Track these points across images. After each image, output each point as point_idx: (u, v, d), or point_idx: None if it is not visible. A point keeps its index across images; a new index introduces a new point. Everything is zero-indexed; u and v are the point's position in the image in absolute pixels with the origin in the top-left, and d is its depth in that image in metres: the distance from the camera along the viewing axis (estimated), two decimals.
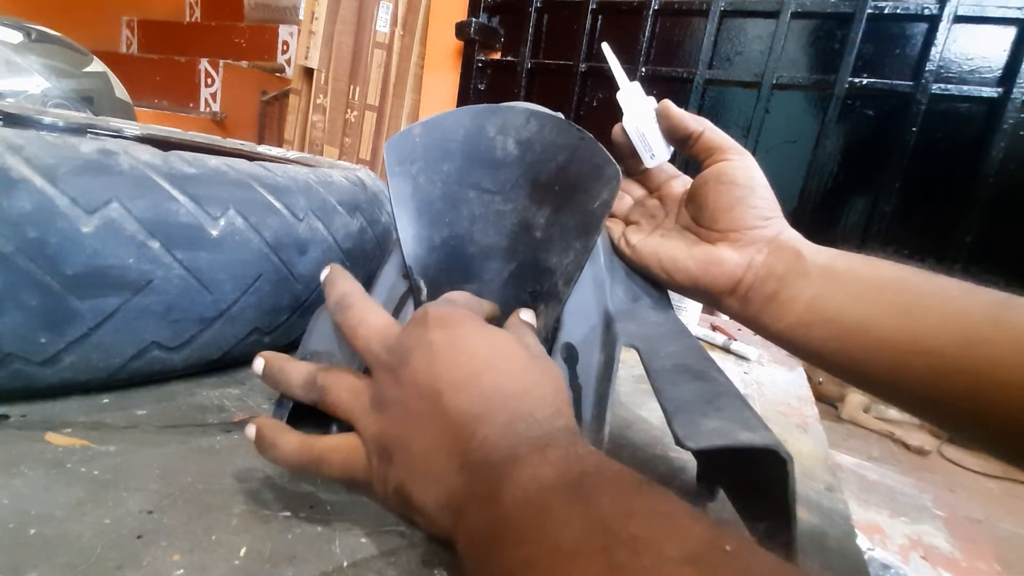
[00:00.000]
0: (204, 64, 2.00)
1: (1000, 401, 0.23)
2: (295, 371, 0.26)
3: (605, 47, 0.38)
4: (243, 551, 0.22)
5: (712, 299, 0.33)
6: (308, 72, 1.86)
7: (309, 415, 0.26)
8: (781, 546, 0.23)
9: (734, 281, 0.31)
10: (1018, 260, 1.24)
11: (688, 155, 0.34)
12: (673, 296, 0.36)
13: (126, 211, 0.28)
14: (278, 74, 2.15)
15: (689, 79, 1.50)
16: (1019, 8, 1.20)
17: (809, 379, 0.61)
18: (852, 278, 0.29)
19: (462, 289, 0.29)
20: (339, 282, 0.28)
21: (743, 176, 0.31)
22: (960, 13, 1.23)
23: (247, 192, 0.33)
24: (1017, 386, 0.22)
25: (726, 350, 0.67)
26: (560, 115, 0.32)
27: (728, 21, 1.47)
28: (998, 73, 1.25)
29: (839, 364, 0.29)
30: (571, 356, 0.30)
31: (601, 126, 0.35)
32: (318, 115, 1.86)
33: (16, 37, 0.74)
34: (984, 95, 1.25)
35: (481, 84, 1.83)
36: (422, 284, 0.33)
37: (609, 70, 0.37)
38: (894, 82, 1.32)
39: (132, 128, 0.52)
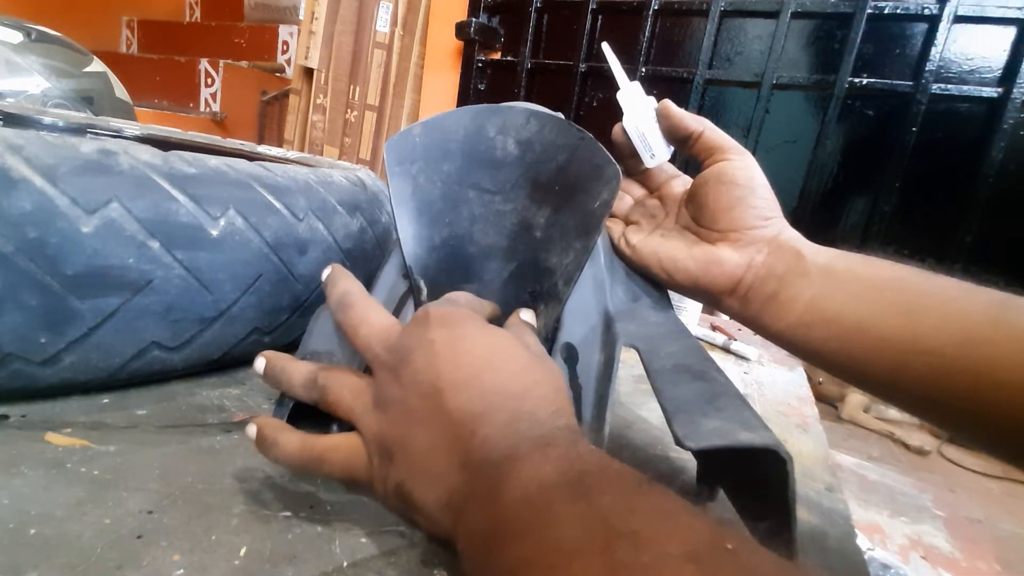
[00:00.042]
0: (204, 64, 2.00)
1: (1000, 401, 0.23)
2: (296, 370, 0.26)
3: (605, 47, 0.38)
4: (243, 551, 0.22)
5: (712, 299, 0.33)
6: (308, 72, 1.86)
7: (309, 415, 0.26)
8: (781, 546, 0.23)
9: (734, 281, 0.31)
10: (1018, 260, 1.24)
11: (688, 155, 0.34)
12: (673, 296, 0.36)
13: (126, 211, 0.28)
14: (278, 74, 2.15)
15: (689, 79, 1.50)
16: (1019, 8, 1.20)
17: (809, 379, 0.61)
18: (852, 278, 0.29)
19: (462, 289, 0.29)
20: (340, 281, 0.28)
21: (743, 176, 0.31)
22: (960, 13, 1.23)
23: (247, 192, 0.33)
24: (1017, 386, 0.22)
25: (726, 350, 0.67)
26: (560, 115, 0.32)
27: (728, 21, 1.47)
28: (998, 73, 1.25)
29: (839, 364, 0.29)
30: (571, 356, 0.30)
31: (601, 126, 0.35)
32: (318, 115, 1.86)
33: (16, 37, 0.74)
34: (984, 95, 1.25)
35: (481, 84, 1.83)
36: (422, 284, 0.33)
37: (609, 70, 0.37)
38: (894, 82, 1.32)
39: (132, 128, 0.52)
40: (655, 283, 0.35)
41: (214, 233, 0.31)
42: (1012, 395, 0.23)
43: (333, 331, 0.30)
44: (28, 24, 0.78)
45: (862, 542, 0.36)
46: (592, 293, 0.32)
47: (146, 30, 2.53)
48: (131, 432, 0.29)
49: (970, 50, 1.27)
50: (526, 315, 0.29)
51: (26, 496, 0.23)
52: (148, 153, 0.30)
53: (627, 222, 0.37)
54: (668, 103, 0.34)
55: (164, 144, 0.34)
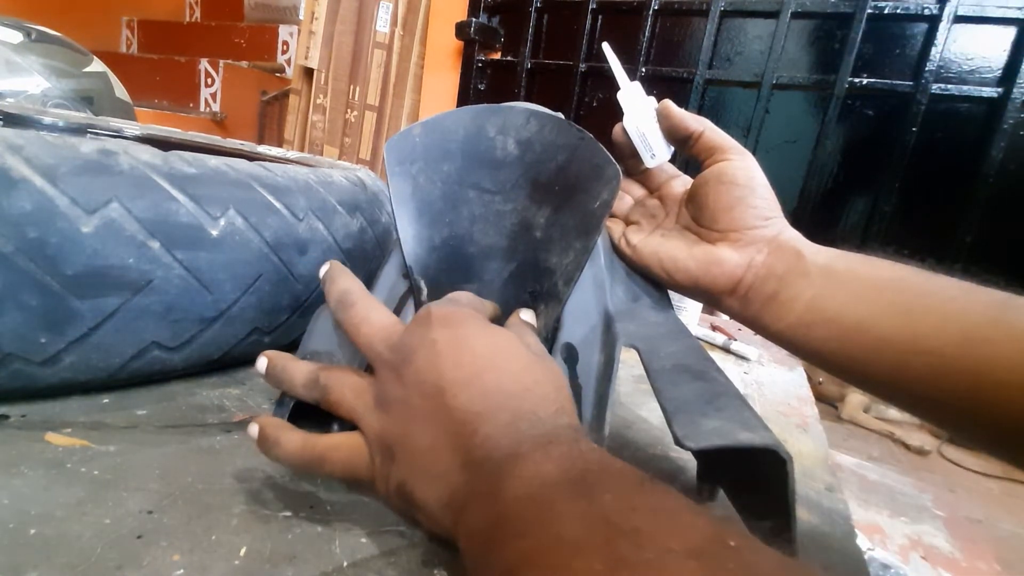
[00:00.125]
0: (204, 64, 2.00)
1: (1000, 401, 0.23)
2: (297, 370, 0.26)
3: (605, 47, 0.38)
4: (243, 551, 0.22)
5: (712, 299, 0.33)
6: (308, 72, 1.86)
7: (310, 415, 0.27)
8: (781, 546, 0.23)
9: (734, 281, 0.31)
10: (1018, 260, 1.24)
11: (688, 155, 0.34)
12: (673, 296, 0.36)
13: (126, 211, 0.28)
14: (278, 74, 2.15)
15: (689, 79, 1.50)
16: (1019, 8, 1.20)
17: (809, 379, 0.61)
18: (852, 278, 0.29)
19: (462, 289, 0.29)
20: (339, 279, 0.28)
21: (743, 176, 0.31)
22: (960, 13, 1.23)
23: (247, 192, 0.33)
24: (1017, 386, 0.22)
25: (726, 350, 0.67)
26: (560, 115, 0.32)
27: (728, 21, 1.47)
28: (998, 73, 1.25)
29: (839, 364, 0.29)
30: (571, 356, 0.30)
31: (601, 126, 0.35)
32: (318, 115, 1.86)
33: (16, 37, 0.74)
34: (984, 95, 1.25)
35: (481, 84, 1.83)
36: (422, 284, 0.33)
37: (609, 70, 0.37)
38: (894, 82, 1.32)
39: (132, 128, 0.52)
40: (655, 283, 0.35)
41: (214, 233, 0.31)
42: (1012, 395, 0.23)
43: (333, 331, 0.30)
44: (28, 24, 0.78)
45: (862, 542, 0.36)
46: (592, 293, 0.32)
47: (146, 30, 2.52)
48: (131, 432, 0.29)
49: (970, 50, 1.27)
50: (526, 315, 0.29)
51: (26, 496, 0.23)
52: (148, 153, 0.30)
53: (627, 222, 0.37)
54: (668, 103, 0.34)
55: (164, 144, 0.34)
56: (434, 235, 0.33)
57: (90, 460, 0.26)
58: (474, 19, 1.74)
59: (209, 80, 2.00)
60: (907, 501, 1.29)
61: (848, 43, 1.32)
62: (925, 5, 1.26)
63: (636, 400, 0.46)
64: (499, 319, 0.30)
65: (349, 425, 0.25)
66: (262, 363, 0.26)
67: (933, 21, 1.26)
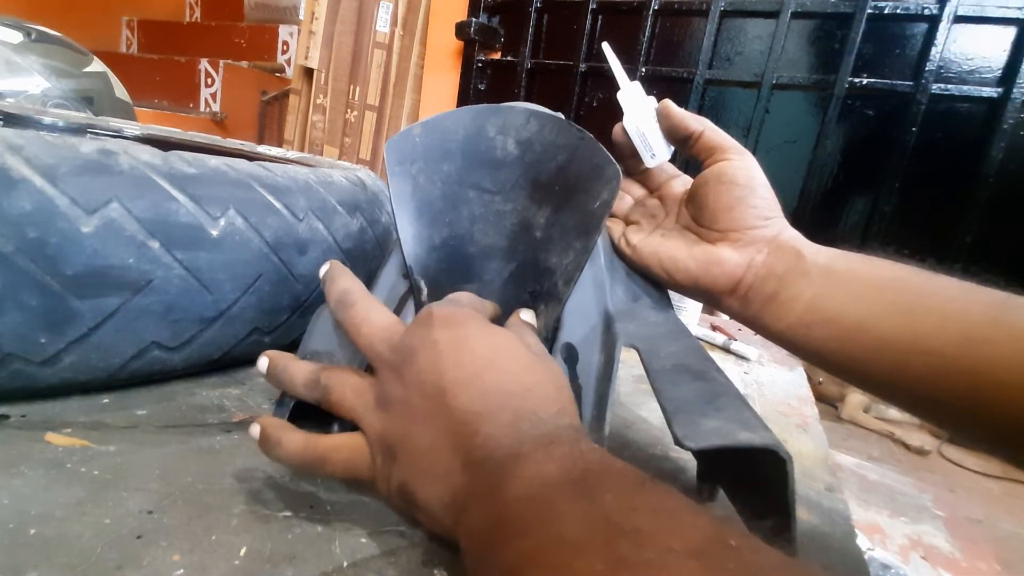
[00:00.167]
0: (204, 64, 2.00)
1: (1000, 401, 0.23)
2: (298, 370, 0.26)
3: (605, 47, 0.38)
4: (243, 551, 0.22)
5: (712, 299, 0.33)
6: (308, 72, 1.86)
7: (309, 415, 0.27)
8: (781, 546, 0.23)
9: (734, 281, 0.31)
10: (1018, 260, 1.24)
11: (688, 155, 0.34)
12: (673, 296, 0.36)
13: (126, 211, 0.28)
14: (278, 74, 2.15)
15: (689, 79, 1.50)
16: (1019, 8, 1.20)
17: (809, 379, 0.61)
18: (852, 278, 0.29)
19: (462, 289, 0.29)
20: (339, 279, 0.28)
21: (743, 176, 0.31)
22: (960, 13, 1.23)
23: (247, 192, 0.33)
24: (1017, 386, 0.22)
25: (726, 350, 0.67)
26: (560, 115, 0.32)
27: (728, 21, 1.47)
28: (998, 73, 1.25)
29: (839, 364, 0.29)
30: (571, 356, 0.30)
31: (601, 126, 0.35)
32: (318, 115, 1.86)
33: (16, 37, 0.74)
34: (984, 95, 1.25)
35: (481, 84, 1.83)
36: (422, 284, 0.33)
37: (609, 70, 0.37)
38: (894, 82, 1.32)
39: (132, 128, 0.52)
40: (655, 283, 0.35)
41: (214, 233, 0.31)
42: (1012, 395, 0.23)
43: (333, 331, 0.30)
44: (28, 24, 0.78)
45: (862, 542, 0.36)
46: (592, 293, 0.32)
47: (146, 30, 2.52)
48: (131, 432, 0.29)
49: (970, 50, 1.27)
50: (526, 315, 0.29)
51: (26, 496, 0.23)
52: (148, 153, 0.30)
53: (627, 222, 0.37)
54: (668, 103, 0.34)
55: (164, 144, 0.34)
56: (434, 235, 0.33)
57: (90, 460, 0.26)
58: (474, 19, 1.74)
59: (209, 80, 2.00)
60: (907, 501, 1.29)
61: (848, 43, 1.32)
62: (925, 5, 1.26)
63: (636, 400, 0.46)
64: (499, 319, 0.30)
65: (349, 425, 0.25)
66: (263, 363, 0.26)
67: (933, 21, 1.26)
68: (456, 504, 0.21)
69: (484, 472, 0.20)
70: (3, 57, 0.71)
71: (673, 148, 0.35)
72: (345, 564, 0.22)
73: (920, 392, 0.26)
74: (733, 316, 0.33)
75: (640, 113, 0.35)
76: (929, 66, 1.27)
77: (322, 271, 0.29)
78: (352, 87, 1.88)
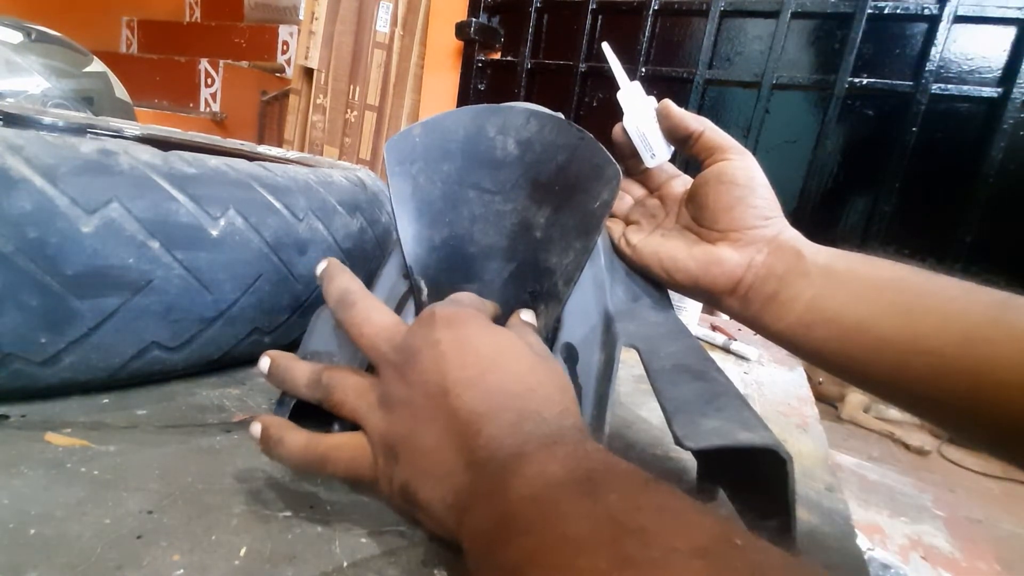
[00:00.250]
0: (204, 64, 2.00)
1: (1000, 401, 0.23)
2: (300, 370, 0.26)
3: (605, 47, 0.38)
4: (243, 551, 0.22)
5: (712, 299, 0.33)
6: (308, 72, 1.86)
7: (309, 416, 0.26)
8: (781, 546, 0.23)
9: (734, 281, 0.31)
10: (1018, 260, 1.24)
11: (688, 155, 0.34)
12: (673, 296, 0.36)
13: (126, 211, 0.28)
14: (278, 74, 2.15)
15: (689, 79, 1.50)
16: (1019, 8, 1.20)
17: (809, 379, 0.61)
18: (852, 278, 0.29)
19: (462, 289, 0.29)
20: (338, 278, 0.27)
21: (743, 176, 0.31)
22: (960, 13, 1.23)
23: (247, 192, 0.33)
24: (1017, 386, 0.22)
25: (726, 350, 0.67)
26: (560, 115, 0.32)
27: (728, 21, 1.47)
28: (998, 73, 1.25)
29: (839, 364, 0.29)
30: (571, 356, 0.30)
31: (601, 126, 0.35)
32: (318, 115, 1.86)
33: (16, 37, 0.74)
34: (984, 95, 1.25)
35: (481, 84, 1.83)
36: (422, 284, 0.33)
37: (609, 70, 0.37)
38: (894, 82, 1.32)
39: (132, 128, 0.52)
40: (655, 283, 0.35)
41: (214, 233, 0.31)
42: (1012, 395, 0.23)
43: (333, 331, 0.30)
44: (28, 24, 0.78)
45: (862, 542, 0.36)
46: (592, 293, 0.32)
47: (146, 30, 2.52)
48: (131, 432, 0.29)
49: (970, 50, 1.27)
50: (526, 315, 0.29)
51: (26, 496, 0.23)
52: (148, 153, 0.30)
53: (627, 222, 0.37)
54: (668, 103, 0.34)
55: (164, 144, 0.34)
56: (434, 235, 0.33)
57: (90, 460, 0.26)
58: (474, 19, 1.74)
59: (209, 80, 2.00)
60: (907, 501, 1.29)
61: (848, 43, 1.32)
62: (925, 5, 1.26)
63: (636, 400, 0.46)
64: (500, 319, 0.30)
65: (350, 425, 0.25)
66: (264, 363, 0.26)
67: (933, 21, 1.26)
68: (459, 504, 0.20)
69: (487, 472, 0.20)
70: (3, 57, 0.71)
71: (673, 148, 0.35)
72: (345, 564, 0.22)
73: (920, 392, 0.26)
74: (733, 316, 0.33)
75: (640, 113, 0.35)
76: (929, 66, 1.27)
77: (319, 269, 0.28)
78: (352, 87, 1.88)
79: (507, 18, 1.77)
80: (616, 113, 0.36)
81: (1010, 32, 1.22)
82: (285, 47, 2.19)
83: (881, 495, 1.30)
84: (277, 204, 0.34)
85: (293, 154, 0.57)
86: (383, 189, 0.47)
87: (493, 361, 0.23)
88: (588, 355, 0.30)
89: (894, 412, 1.64)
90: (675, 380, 0.26)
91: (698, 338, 0.46)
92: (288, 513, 0.24)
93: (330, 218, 0.38)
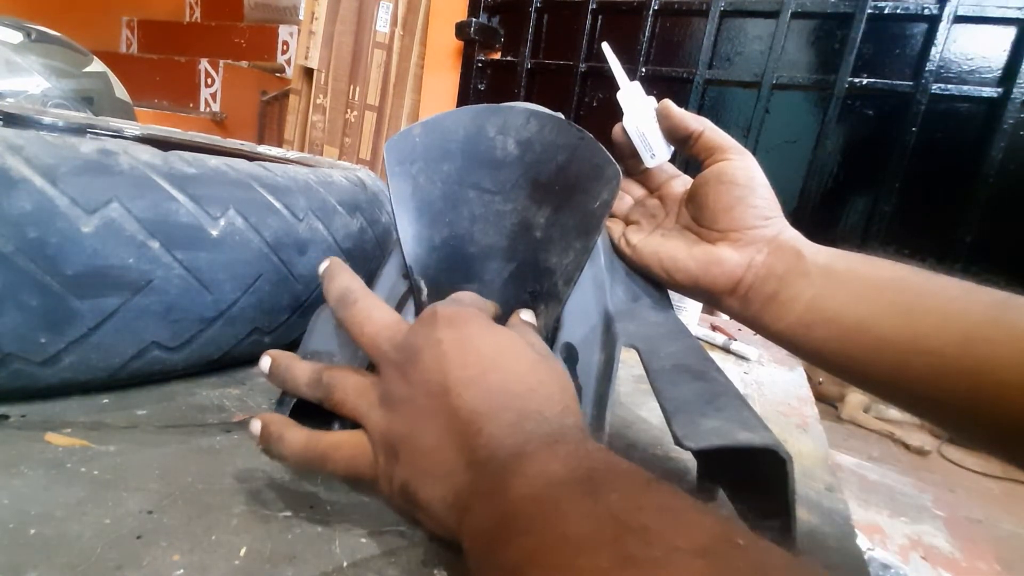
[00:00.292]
0: (204, 64, 2.00)
1: (1000, 401, 0.23)
2: (301, 369, 0.26)
3: (605, 47, 0.38)
4: (243, 551, 0.22)
5: (712, 299, 0.33)
6: (308, 72, 1.86)
7: (309, 416, 0.26)
8: (782, 546, 0.23)
9: (734, 281, 0.31)
10: (1018, 260, 1.24)
11: (688, 155, 0.34)
12: (673, 296, 0.36)
13: (126, 211, 0.28)
14: (278, 74, 2.15)
15: (689, 79, 1.50)
16: (1019, 8, 1.20)
17: (809, 379, 0.61)
18: (852, 278, 0.29)
19: (462, 289, 0.29)
20: (339, 276, 0.27)
21: (743, 176, 0.31)
22: (960, 13, 1.23)
23: (247, 192, 0.33)
24: (1017, 386, 0.22)
25: (726, 350, 0.67)
26: (560, 115, 0.32)
27: (728, 21, 1.47)
28: (998, 73, 1.25)
29: (839, 364, 0.29)
30: (571, 356, 0.30)
31: (601, 126, 0.35)
32: (318, 115, 1.86)
33: (16, 37, 0.74)
34: (984, 95, 1.25)
35: (481, 84, 1.83)
36: (422, 284, 0.33)
37: (609, 70, 0.37)
38: (894, 82, 1.32)
39: (132, 128, 0.52)
40: (655, 283, 0.35)
41: (214, 233, 0.31)
42: (1012, 395, 0.23)
43: (333, 331, 0.30)
44: (28, 24, 0.78)
45: (862, 542, 0.36)
46: (592, 293, 0.32)
47: (146, 30, 2.52)
48: (131, 432, 0.29)
49: (970, 50, 1.27)
50: (526, 315, 0.29)
51: (26, 496, 0.23)
52: (148, 153, 0.30)
53: (627, 222, 0.37)
54: (668, 103, 0.34)
55: (164, 144, 0.34)
56: (434, 235, 0.33)
57: (90, 460, 0.26)
58: (474, 19, 1.74)
59: (209, 80, 2.00)
60: (907, 501, 1.29)
61: (848, 43, 1.32)
62: (925, 5, 1.26)
63: (636, 400, 0.46)
64: (500, 319, 0.30)
65: (350, 425, 0.25)
66: (265, 362, 0.26)
67: (933, 21, 1.26)
68: (459, 504, 0.20)
69: (487, 471, 0.20)
70: (3, 57, 0.71)
71: (673, 148, 0.35)
72: (345, 564, 0.22)
73: (920, 392, 0.26)
74: (733, 316, 0.33)
75: (640, 113, 0.35)
76: (929, 66, 1.27)
77: (321, 268, 0.28)
78: (352, 87, 1.88)
79: (507, 18, 1.77)
80: (616, 113, 0.36)
81: (1010, 32, 1.22)
82: (285, 47, 2.19)
83: (881, 495, 1.30)
84: (277, 204, 0.34)
85: (293, 154, 0.57)
86: (383, 189, 0.47)
87: (494, 361, 0.23)
88: (588, 355, 0.30)
89: (894, 412, 1.64)
90: (675, 380, 0.26)
91: (698, 338, 0.46)
92: (288, 513, 0.24)
93: (330, 218, 0.38)
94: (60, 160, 0.26)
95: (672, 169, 0.37)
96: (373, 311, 0.26)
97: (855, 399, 1.69)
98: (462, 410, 0.21)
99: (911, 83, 1.29)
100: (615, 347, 0.29)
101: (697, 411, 0.24)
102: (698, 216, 0.33)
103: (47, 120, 0.50)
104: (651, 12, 1.52)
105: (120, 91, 0.86)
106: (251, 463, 0.27)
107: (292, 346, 0.33)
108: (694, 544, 0.14)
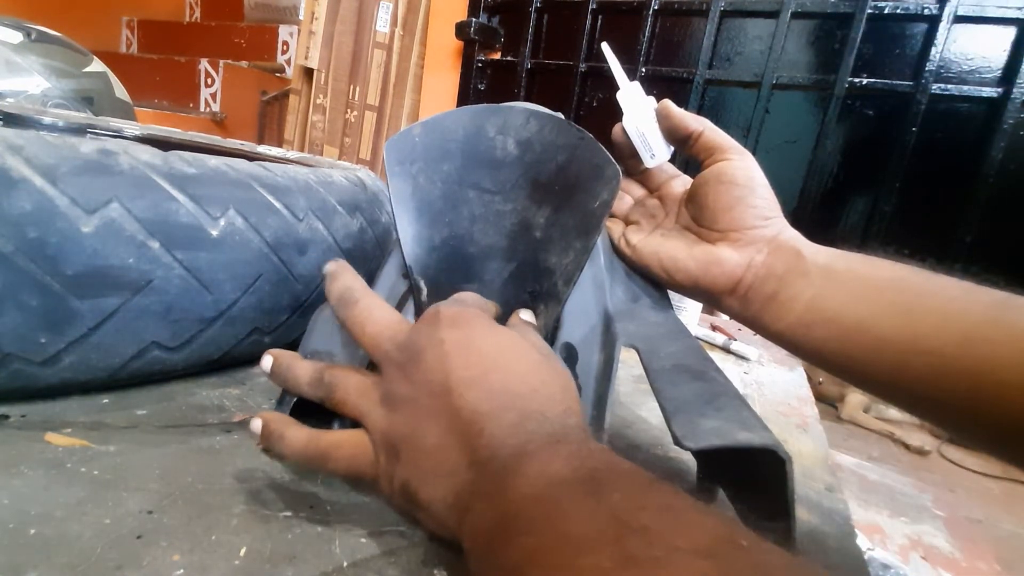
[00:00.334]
0: (204, 64, 2.00)
1: (1000, 401, 0.23)
2: (302, 369, 0.26)
3: (605, 47, 0.38)
4: (243, 551, 0.22)
5: (712, 299, 0.33)
6: (308, 72, 1.86)
7: (310, 416, 0.26)
8: (781, 546, 0.23)
9: (734, 281, 0.31)
10: (1018, 260, 1.24)
11: (688, 155, 0.34)
12: (673, 296, 0.36)
13: (126, 211, 0.28)
14: (278, 74, 2.15)
15: (689, 79, 1.50)
16: (1019, 8, 1.20)
17: (809, 379, 0.61)
18: (852, 278, 0.29)
19: (462, 289, 0.29)
20: (341, 276, 0.27)
21: (743, 176, 0.31)
22: (960, 13, 1.23)
23: (247, 192, 0.33)
24: (1017, 386, 0.22)
25: (726, 350, 0.67)
26: (560, 115, 0.32)
27: (728, 21, 1.47)
28: (998, 73, 1.25)
29: (839, 364, 0.29)
30: (571, 356, 0.30)
31: (601, 126, 0.35)
32: (318, 115, 1.86)
33: (16, 37, 0.74)
34: (984, 95, 1.25)
35: (481, 84, 1.83)
36: (422, 284, 0.33)
37: (609, 70, 0.37)
38: (894, 82, 1.32)
39: (132, 128, 0.52)
40: (655, 283, 0.35)
41: (214, 233, 0.31)
42: (1012, 395, 0.23)
43: (334, 330, 0.30)
44: (28, 24, 0.78)
45: (862, 542, 0.36)
46: (592, 293, 0.32)
47: (146, 30, 2.52)
48: (131, 432, 0.29)
49: (970, 50, 1.27)
50: (526, 315, 0.29)
51: (26, 496, 0.23)
52: (148, 153, 0.30)
53: (627, 222, 0.37)
54: (668, 103, 0.34)
55: (164, 144, 0.34)
56: (434, 235, 0.33)
57: (90, 460, 0.26)
58: (474, 19, 1.74)
59: (209, 80, 2.00)
60: (907, 501, 1.29)
61: (848, 43, 1.32)
62: (925, 5, 1.26)
63: (636, 400, 0.46)
64: (500, 319, 0.30)
65: (351, 424, 0.25)
66: (267, 361, 0.26)
67: (933, 21, 1.26)
68: (460, 504, 0.20)
69: (489, 471, 0.20)
70: (3, 57, 0.71)
71: (673, 148, 0.35)
72: (345, 564, 0.22)
73: (920, 392, 0.26)
74: (733, 316, 0.33)
75: (640, 113, 0.35)
76: (929, 66, 1.27)
77: (326, 269, 0.28)
78: (352, 87, 1.88)
79: (507, 18, 1.77)
80: (616, 113, 0.36)
81: (1010, 32, 1.22)
82: (285, 47, 2.19)
83: (881, 495, 1.30)
84: (277, 204, 0.34)
85: (293, 154, 0.57)
86: (383, 189, 0.47)
87: (496, 361, 0.23)
88: (588, 355, 0.30)
89: (894, 412, 1.64)
90: (675, 380, 0.26)
91: (698, 338, 0.46)
92: (288, 513, 0.24)
93: (330, 218, 0.38)
94: (60, 160, 0.26)
95: (672, 169, 0.37)
96: (375, 311, 0.26)
97: (855, 399, 1.69)
98: (464, 410, 0.21)
99: (911, 83, 1.29)
100: (615, 347, 0.29)
101: (697, 411, 0.24)
102: (698, 216, 0.33)
103: (47, 120, 0.50)
104: (651, 12, 1.52)
105: (120, 91, 0.86)
106: (251, 463, 0.27)
107: (292, 346, 0.33)
108: (696, 545, 0.14)
